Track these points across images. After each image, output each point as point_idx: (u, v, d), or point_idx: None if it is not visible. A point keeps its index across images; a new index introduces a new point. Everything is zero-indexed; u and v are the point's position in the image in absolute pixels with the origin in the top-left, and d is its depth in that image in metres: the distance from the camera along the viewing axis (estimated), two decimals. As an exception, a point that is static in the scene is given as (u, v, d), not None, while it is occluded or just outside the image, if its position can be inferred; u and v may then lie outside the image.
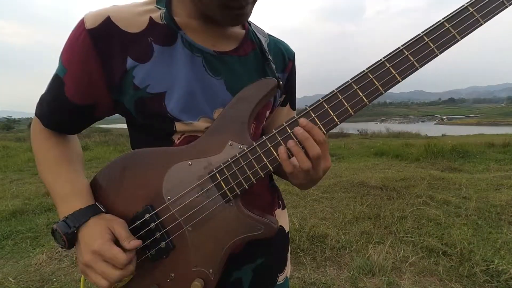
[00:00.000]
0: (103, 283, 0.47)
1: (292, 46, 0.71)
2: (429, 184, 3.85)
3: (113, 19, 0.49)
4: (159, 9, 0.54)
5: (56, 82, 0.52)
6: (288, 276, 0.75)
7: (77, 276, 2.09)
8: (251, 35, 0.63)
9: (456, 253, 2.16)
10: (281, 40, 0.70)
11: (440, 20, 0.47)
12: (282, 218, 0.73)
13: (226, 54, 0.57)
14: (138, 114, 0.53)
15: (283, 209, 0.75)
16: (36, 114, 0.57)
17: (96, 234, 0.48)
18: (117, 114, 0.59)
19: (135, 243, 0.49)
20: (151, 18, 0.52)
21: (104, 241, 0.48)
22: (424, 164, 5.42)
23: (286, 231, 0.74)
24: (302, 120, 0.49)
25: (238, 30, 0.62)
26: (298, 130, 0.49)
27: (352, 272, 2.03)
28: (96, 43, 0.48)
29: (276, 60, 0.66)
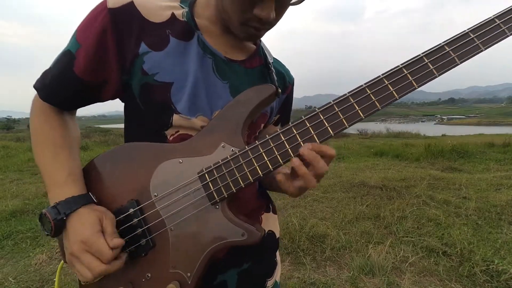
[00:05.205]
0: (87, 276, 0.47)
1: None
2: (429, 184, 3.85)
3: (136, 5, 0.51)
4: (182, 8, 0.56)
5: (66, 57, 0.52)
6: (278, 280, 0.73)
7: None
8: (260, 52, 0.66)
9: (456, 253, 2.16)
10: (284, 65, 0.74)
11: (440, 43, 0.47)
12: (272, 223, 0.72)
13: (235, 62, 0.59)
14: (142, 99, 0.54)
15: (274, 213, 0.74)
16: (35, 86, 0.55)
17: (86, 224, 0.48)
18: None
19: (117, 241, 0.48)
20: (173, 14, 0.54)
21: (93, 232, 0.47)
22: (424, 164, 5.41)
23: (277, 236, 0.73)
24: (304, 146, 0.47)
25: (250, 45, 0.65)
26: (304, 149, 0.47)
27: (352, 272, 2.03)
28: (115, 22, 0.50)
29: (278, 81, 0.68)
